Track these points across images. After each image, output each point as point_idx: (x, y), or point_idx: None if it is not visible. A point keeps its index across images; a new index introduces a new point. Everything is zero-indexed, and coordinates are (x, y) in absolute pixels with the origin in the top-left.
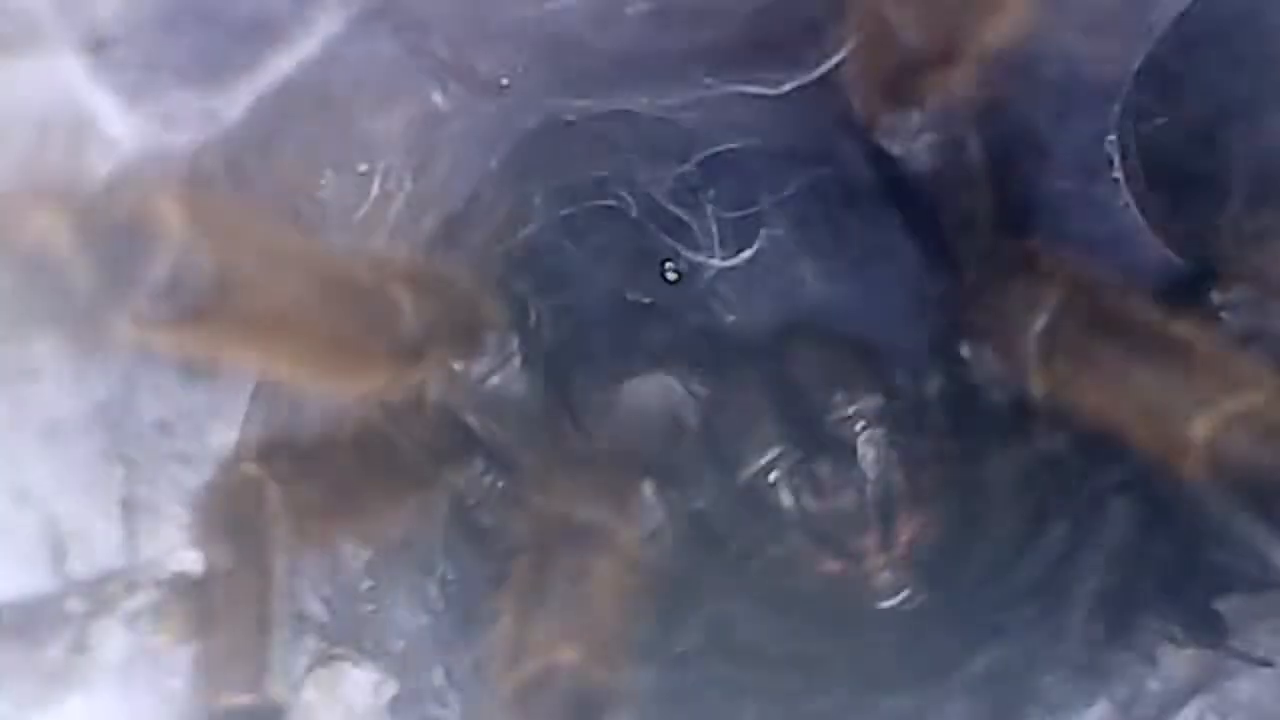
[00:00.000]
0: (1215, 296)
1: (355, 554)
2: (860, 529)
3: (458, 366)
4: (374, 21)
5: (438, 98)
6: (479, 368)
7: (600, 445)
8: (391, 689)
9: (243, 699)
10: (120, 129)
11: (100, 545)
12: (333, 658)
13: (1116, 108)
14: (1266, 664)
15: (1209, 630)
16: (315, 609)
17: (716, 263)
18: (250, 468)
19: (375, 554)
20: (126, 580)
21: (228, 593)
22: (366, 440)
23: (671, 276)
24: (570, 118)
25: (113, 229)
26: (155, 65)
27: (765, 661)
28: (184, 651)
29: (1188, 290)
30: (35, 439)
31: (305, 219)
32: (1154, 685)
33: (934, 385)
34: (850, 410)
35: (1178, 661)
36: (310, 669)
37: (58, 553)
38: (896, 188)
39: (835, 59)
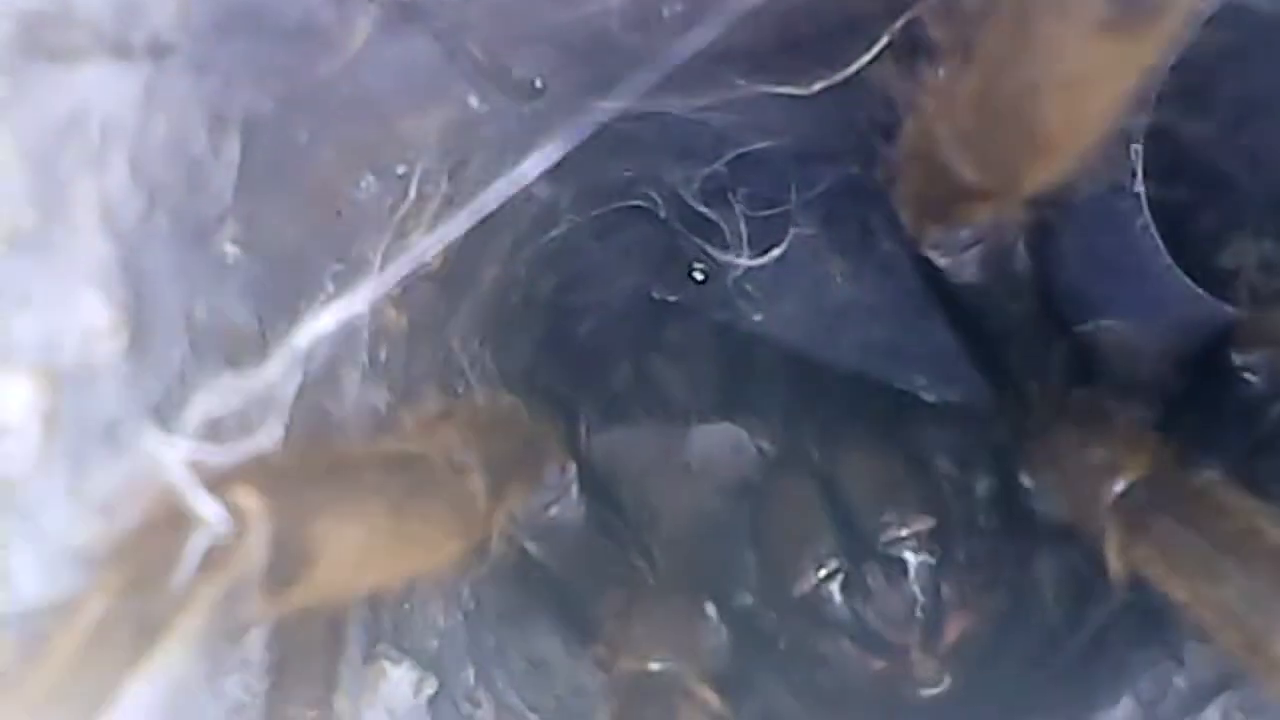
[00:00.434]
0: (1235, 358)
1: None
2: (907, 633)
3: (520, 505)
4: (411, 24)
5: (473, 100)
6: (539, 500)
7: (661, 564)
8: (431, 687)
9: (309, 713)
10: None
11: None
12: (373, 655)
13: (1143, 116)
14: None
15: None
16: (359, 608)
17: (744, 262)
18: None
19: None
20: None
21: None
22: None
23: (699, 276)
24: (598, 118)
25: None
26: (206, 72)
27: None
28: (235, 651)
29: (1209, 356)
30: None
31: (345, 220)
32: (1180, 683)
33: (984, 487)
34: (902, 532)
35: (1203, 660)
36: (353, 667)
37: None
38: (944, 295)
39: (865, 60)
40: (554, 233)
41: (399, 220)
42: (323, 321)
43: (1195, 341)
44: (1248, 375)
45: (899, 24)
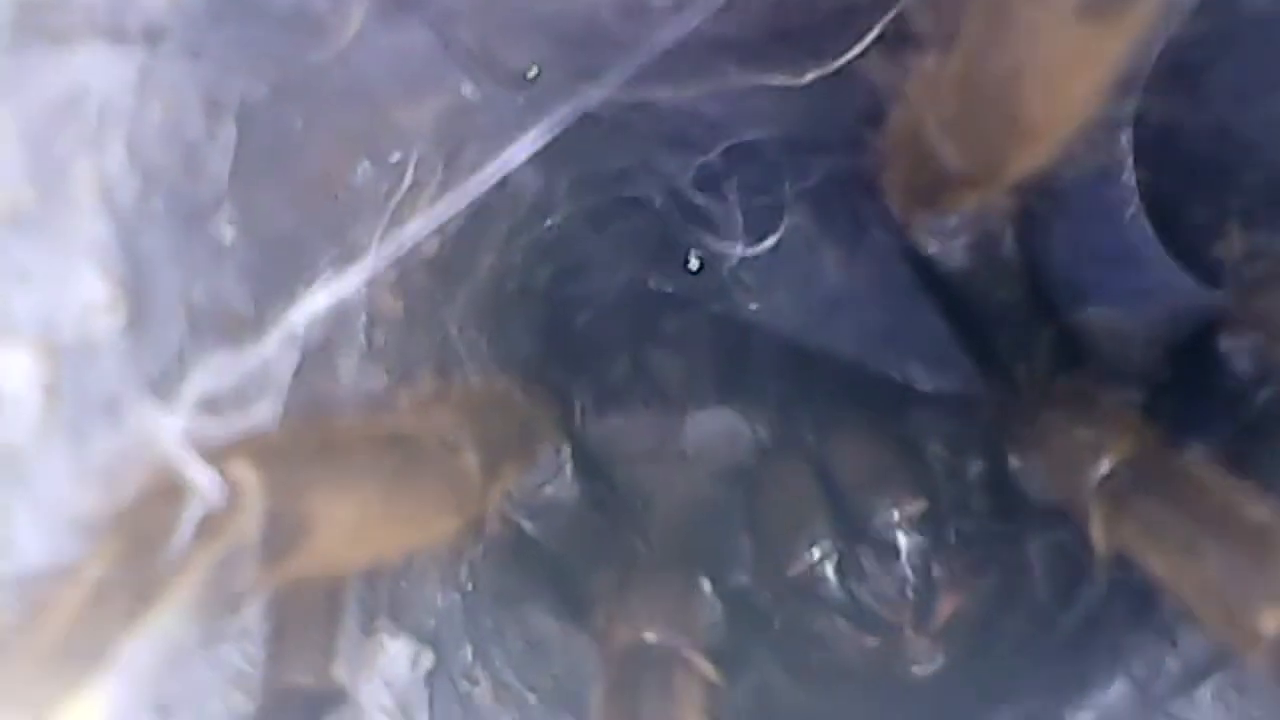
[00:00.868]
0: (1223, 344)
1: None
2: (899, 612)
3: (514, 484)
4: (404, 13)
5: (467, 89)
6: (533, 480)
7: (656, 543)
8: (428, 661)
9: (308, 680)
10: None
11: None
12: (372, 629)
13: (1132, 103)
14: None
15: None
16: (356, 584)
17: (739, 251)
18: None
19: None
20: None
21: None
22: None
23: (694, 266)
24: (592, 107)
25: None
26: (200, 56)
27: None
28: (235, 622)
29: (1197, 341)
30: None
31: (342, 205)
32: (1173, 664)
33: (976, 469)
34: (894, 515)
35: (1196, 641)
36: (352, 641)
37: None
38: (934, 282)
39: (857, 50)
40: (550, 222)
41: (395, 207)
42: (316, 301)
43: (1185, 329)
44: (1235, 360)
45: (890, 14)
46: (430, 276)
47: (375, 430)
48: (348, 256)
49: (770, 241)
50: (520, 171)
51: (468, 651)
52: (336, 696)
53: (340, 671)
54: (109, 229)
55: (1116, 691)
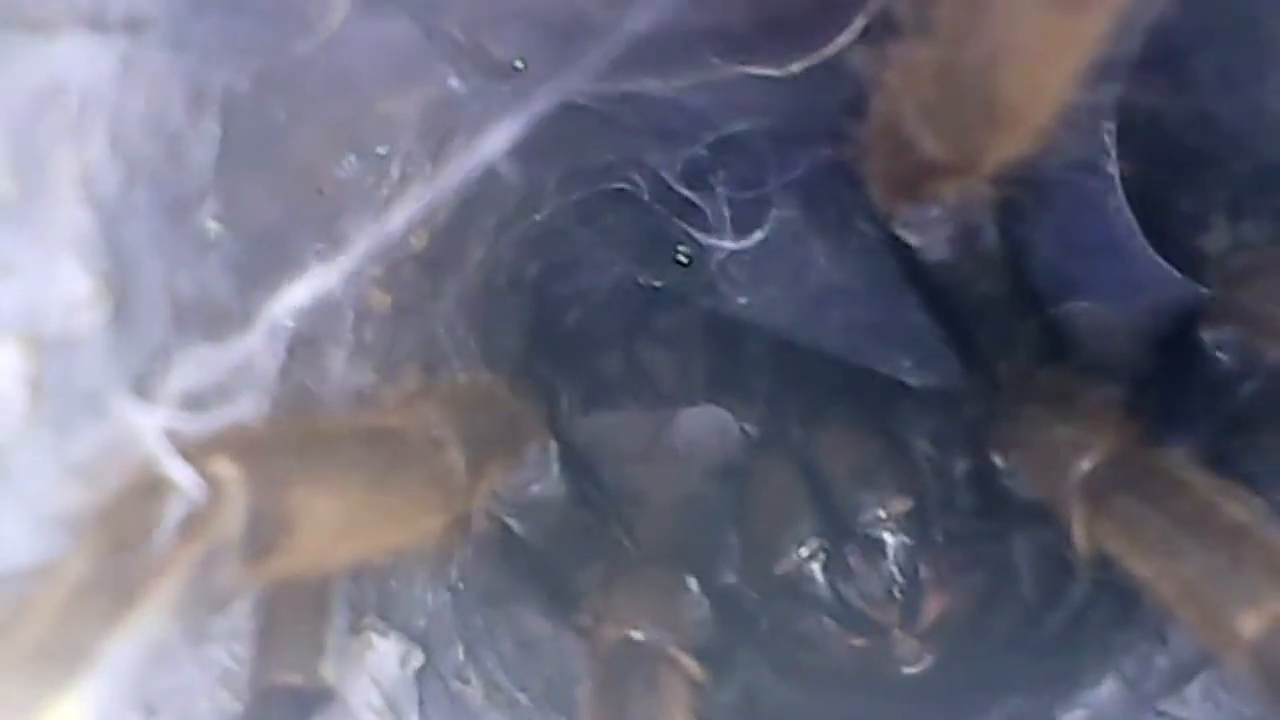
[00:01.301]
0: (1206, 337)
1: None
2: (887, 612)
3: (500, 482)
4: (389, 5)
5: (453, 80)
6: (520, 478)
7: (643, 540)
8: (418, 660)
9: (296, 678)
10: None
11: None
12: (360, 628)
13: (1114, 92)
14: None
15: None
16: (345, 584)
17: (728, 245)
18: None
19: None
20: None
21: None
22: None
23: (683, 259)
24: (579, 100)
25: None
26: (183, 47)
27: None
28: (223, 621)
29: (1179, 330)
30: None
31: (327, 198)
32: (1162, 662)
33: (962, 468)
34: (880, 512)
35: (1185, 639)
36: (341, 639)
37: None
38: (916, 274)
39: (842, 41)
40: (538, 216)
41: (382, 200)
42: (296, 294)
43: (1170, 323)
44: (1218, 354)
45: (877, 5)
46: (419, 272)
47: (360, 427)
48: (335, 250)
49: (758, 235)
50: (508, 165)
51: (459, 651)
52: (324, 695)
53: (328, 670)
54: (91, 221)
55: (1107, 690)
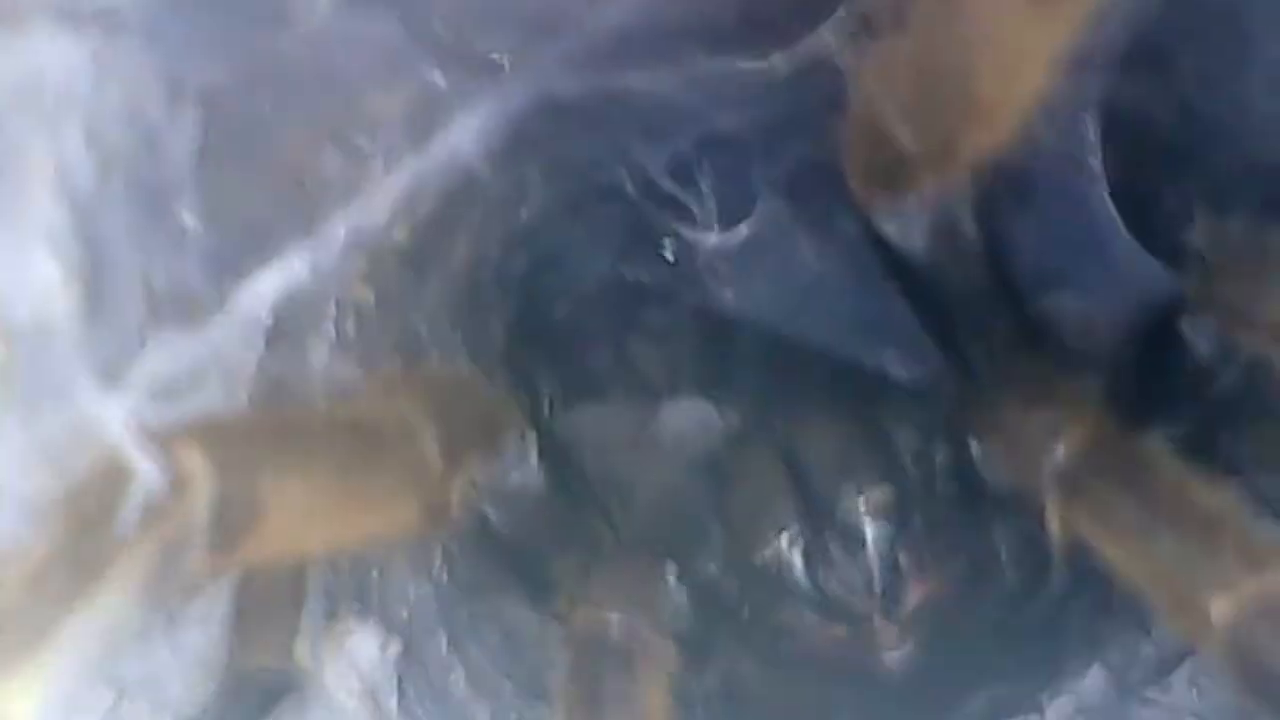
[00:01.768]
0: (1185, 327)
1: None
2: (867, 601)
3: (478, 471)
4: (373, 1)
5: (438, 77)
6: (497, 468)
7: (623, 530)
8: (397, 646)
9: (271, 662)
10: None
11: None
12: (340, 614)
13: (1096, 87)
14: None
15: None
16: (325, 571)
17: (713, 240)
18: None
19: None
20: None
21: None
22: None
23: (669, 254)
24: (563, 95)
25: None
26: (159, 41)
27: (772, 713)
28: (197, 604)
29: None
30: None
31: (309, 193)
32: (1147, 650)
33: (942, 456)
34: (860, 501)
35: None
36: (319, 625)
37: None
38: (895, 266)
39: (824, 34)
40: (523, 211)
41: (364, 195)
42: (266, 284)
43: (1152, 315)
44: (1197, 344)
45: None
46: (402, 266)
47: (333, 416)
48: (317, 245)
49: (744, 229)
50: (492, 160)
51: (442, 641)
52: (298, 678)
53: (302, 654)
54: (65, 212)
55: (1092, 678)
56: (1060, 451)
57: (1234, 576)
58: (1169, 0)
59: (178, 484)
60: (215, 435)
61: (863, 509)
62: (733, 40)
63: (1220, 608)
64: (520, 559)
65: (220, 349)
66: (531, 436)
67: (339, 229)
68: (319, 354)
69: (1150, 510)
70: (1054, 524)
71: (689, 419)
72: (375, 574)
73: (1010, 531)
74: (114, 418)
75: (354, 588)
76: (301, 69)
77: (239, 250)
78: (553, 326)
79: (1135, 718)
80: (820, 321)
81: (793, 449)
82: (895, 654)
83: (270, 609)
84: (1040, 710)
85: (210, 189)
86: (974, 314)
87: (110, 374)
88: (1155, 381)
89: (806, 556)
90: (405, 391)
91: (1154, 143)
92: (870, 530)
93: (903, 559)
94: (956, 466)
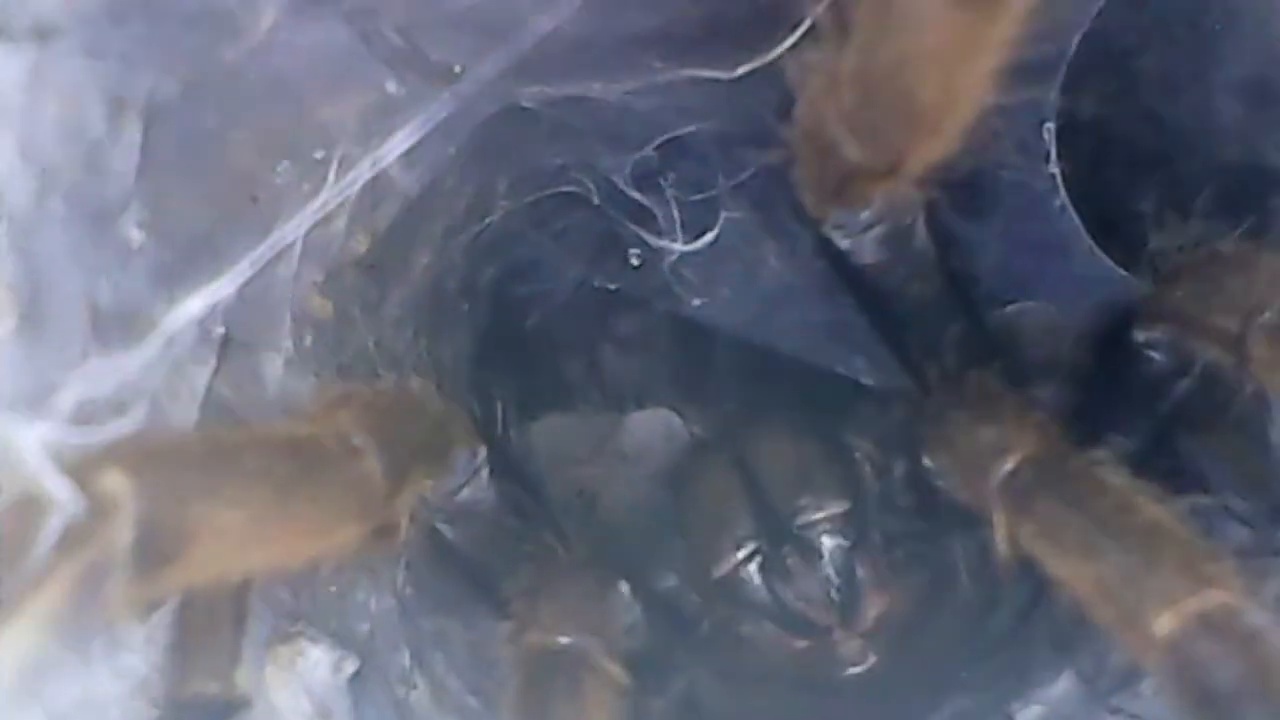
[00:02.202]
0: (1138, 336)
1: None
2: (824, 613)
3: (427, 488)
4: (320, 8)
5: (391, 85)
6: (447, 484)
7: (576, 545)
8: (351, 666)
9: (212, 687)
10: None
11: None
12: (291, 635)
13: (1053, 93)
14: None
15: None
16: (276, 590)
17: (679, 247)
18: None
19: None
20: None
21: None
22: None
23: (636, 262)
24: (527, 104)
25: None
26: (100, 55)
27: None
28: (140, 628)
29: (1114, 331)
30: None
31: (262, 206)
32: (1117, 658)
33: (899, 469)
34: (816, 514)
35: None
36: (268, 646)
37: None
38: (849, 277)
39: (788, 42)
40: (488, 220)
41: (320, 206)
42: (216, 299)
43: (1116, 324)
44: (1151, 353)
45: (821, 6)
46: (361, 276)
47: (269, 436)
48: (274, 258)
49: (709, 237)
50: (454, 168)
51: (404, 656)
52: (239, 703)
53: (243, 679)
54: (1, 231)
55: (1062, 686)
56: (1007, 467)
57: (1177, 592)
58: (1127, 6)
59: (99, 511)
60: (142, 460)
61: (819, 522)
62: (696, 49)
63: (1163, 623)
64: (479, 574)
65: (166, 365)
66: (482, 452)
67: (293, 241)
68: (274, 368)
69: (1095, 525)
70: (1001, 540)
71: (654, 430)
72: (333, 589)
73: (969, 543)
74: (33, 444)
75: (309, 606)
76: (249, 79)
77: (188, 265)
78: (524, 336)
79: None
80: (789, 329)
81: (751, 462)
82: (858, 667)
83: (211, 634)
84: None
85: (157, 203)
86: (927, 326)
87: (36, 398)
88: (1113, 391)
89: (764, 570)
90: (347, 410)
91: (1116, 148)
92: (827, 543)
93: (860, 571)
94: (915, 478)
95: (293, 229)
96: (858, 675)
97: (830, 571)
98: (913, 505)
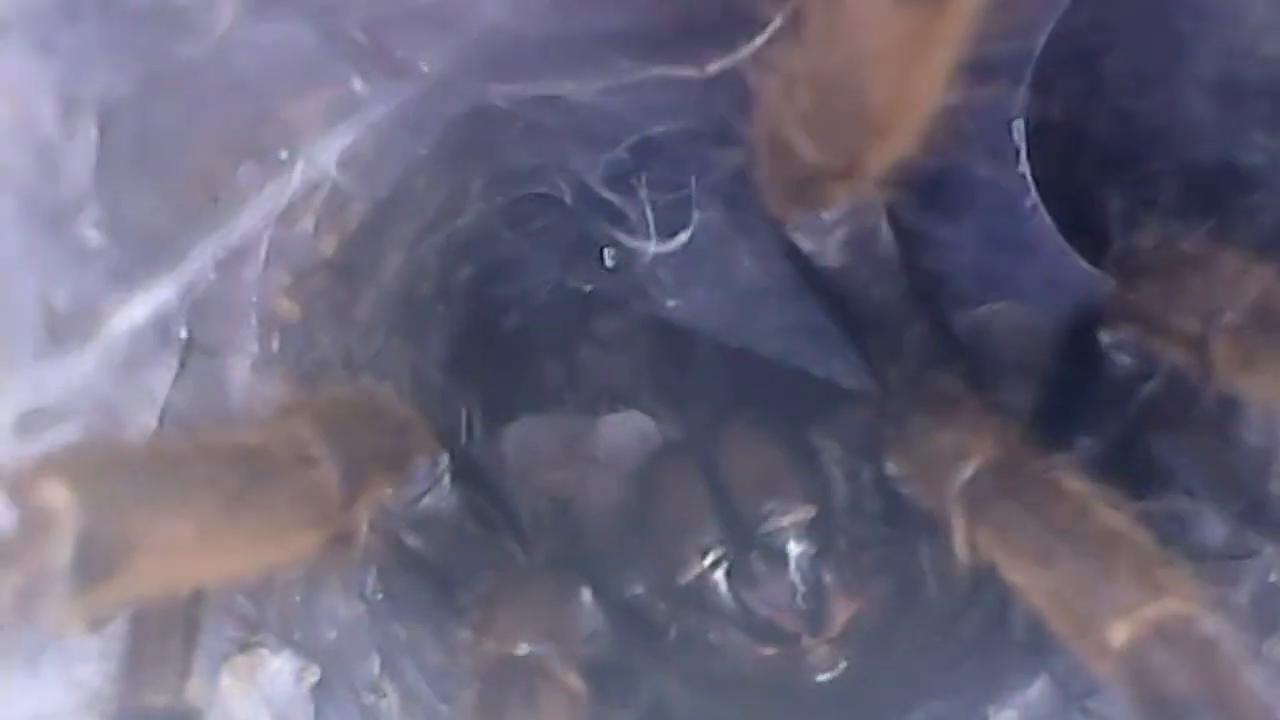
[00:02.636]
0: (1104, 338)
1: None
2: (791, 619)
3: (388, 496)
4: (280, 6)
5: (356, 83)
6: (408, 492)
7: (538, 552)
8: (314, 676)
9: (163, 699)
10: None
11: None
12: (251, 645)
13: (1022, 90)
14: None
15: None
16: (236, 599)
17: (652, 248)
18: None
19: None
20: None
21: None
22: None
23: (610, 263)
24: (499, 104)
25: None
26: (51, 53)
27: None
28: (93, 641)
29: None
30: None
31: (223, 206)
32: None
33: (867, 474)
34: (784, 521)
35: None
36: (226, 657)
37: None
38: (814, 279)
39: (758, 41)
40: (460, 221)
41: (284, 206)
42: (176, 301)
43: (1086, 325)
44: (1116, 355)
45: (787, 5)
46: (330, 279)
47: (218, 445)
48: (236, 258)
49: (682, 237)
50: (427, 170)
51: (374, 663)
52: (190, 716)
53: (196, 690)
54: None
55: (1038, 689)
56: (966, 472)
57: (1131, 601)
58: (1096, 5)
59: (36, 523)
60: (83, 470)
61: (785, 528)
62: (667, 48)
63: (1118, 632)
64: (444, 582)
65: (124, 370)
66: (444, 460)
67: (258, 241)
68: (240, 372)
69: (1051, 532)
70: (960, 546)
71: (625, 433)
72: (297, 598)
73: (938, 548)
74: None
75: (273, 615)
76: (208, 78)
77: (148, 266)
78: (498, 337)
79: None
80: (765, 330)
81: (718, 467)
82: (827, 674)
83: (161, 645)
84: None
85: (115, 204)
86: (890, 328)
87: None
88: (1080, 391)
89: (730, 576)
90: (300, 418)
91: (1088, 147)
92: (793, 549)
93: (827, 578)
94: (882, 484)
95: (256, 230)
96: (827, 682)
97: (797, 578)
98: (880, 510)
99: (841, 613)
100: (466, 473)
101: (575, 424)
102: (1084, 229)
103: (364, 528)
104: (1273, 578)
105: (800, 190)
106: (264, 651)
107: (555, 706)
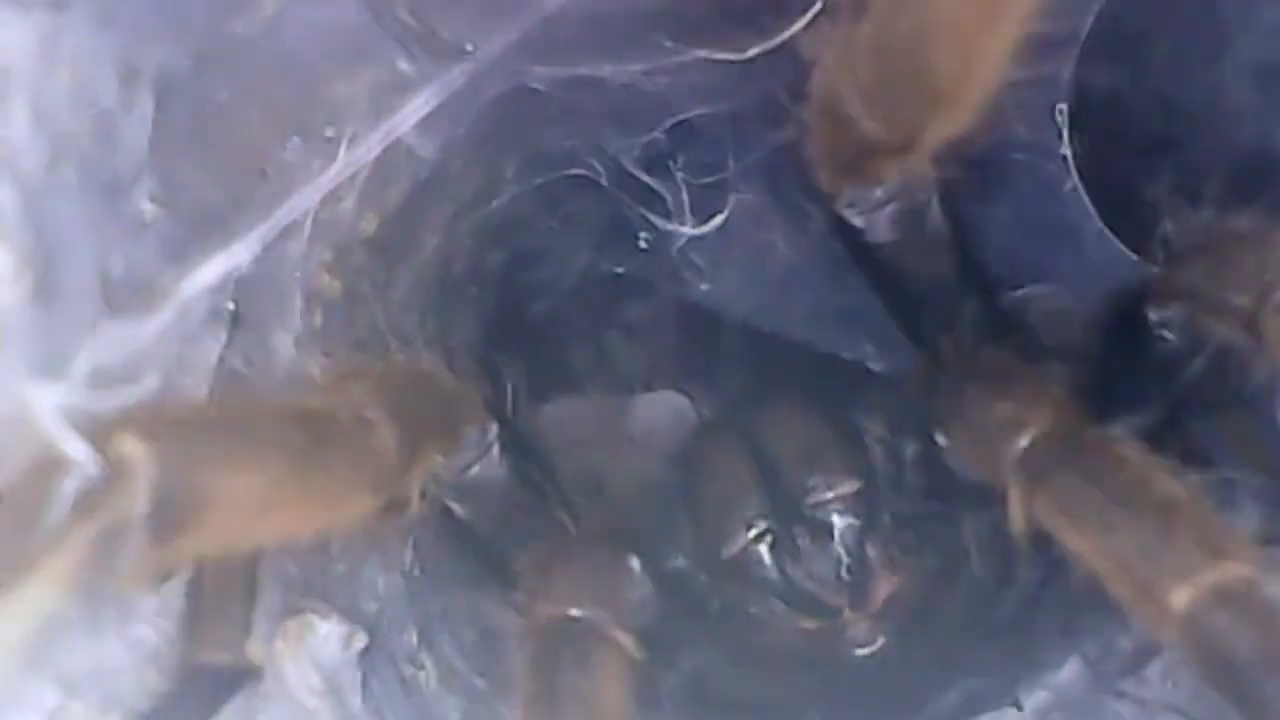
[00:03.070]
0: (1152, 315)
1: None
2: (835, 593)
3: (439, 464)
4: None
5: (402, 63)
6: (458, 460)
7: (587, 521)
8: (361, 642)
9: (223, 657)
10: None
11: None
12: (300, 610)
13: (1066, 74)
14: None
15: None
16: (286, 565)
17: (688, 231)
18: None
19: None
20: None
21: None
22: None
23: (644, 246)
24: (536, 85)
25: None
26: (111, 24)
27: (743, 710)
28: (152, 600)
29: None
30: None
31: (272, 182)
32: (1124, 642)
33: (910, 450)
34: (828, 495)
35: None
36: (278, 621)
37: None
38: (862, 256)
39: (799, 25)
40: (495, 203)
41: (329, 183)
42: (226, 273)
43: (1126, 305)
44: (1164, 332)
45: None
46: (369, 256)
47: (285, 406)
48: (282, 234)
49: (718, 220)
50: (462, 149)
51: (412, 635)
52: (250, 674)
53: (255, 649)
54: (12, 197)
55: (1069, 671)
56: (1023, 442)
57: (1193, 565)
58: None
59: (115, 475)
60: (158, 426)
61: (830, 502)
62: (706, 30)
63: (1179, 596)
64: (488, 551)
65: (177, 338)
66: (494, 429)
67: (303, 218)
68: (284, 344)
69: (1111, 500)
70: (1016, 515)
71: (662, 412)
72: (341, 568)
73: (980, 524)
74: (50, 407)
75: (319, 582)
76: (260, 54)
77: (199, 238)
78: (531, 319)
79: (1110, 711)
80: (796, 313)
81: (762, 442)
82: (867, 648)
83: (222, 603)
84: (1017, 704)
85: (168, 176)
86: (941, 304)
87: (51, 363)
88: (1124, 371)
89: (775, 550)
90: (361, 383)
91: (1129, 130)
92: (838, 523)
93: (870, 551)
94: (925, 459)
95: (302, 206)
96: (867, 656)
97: (841, 551)
98: (924, 486)
99: (883, 588)
100: (515, 443)
101: (610, 403)
102: (1124, 213)
103: (416, 495)
104: None
105: (854, 164)
106: (313, 617)
107: (610, 667)
